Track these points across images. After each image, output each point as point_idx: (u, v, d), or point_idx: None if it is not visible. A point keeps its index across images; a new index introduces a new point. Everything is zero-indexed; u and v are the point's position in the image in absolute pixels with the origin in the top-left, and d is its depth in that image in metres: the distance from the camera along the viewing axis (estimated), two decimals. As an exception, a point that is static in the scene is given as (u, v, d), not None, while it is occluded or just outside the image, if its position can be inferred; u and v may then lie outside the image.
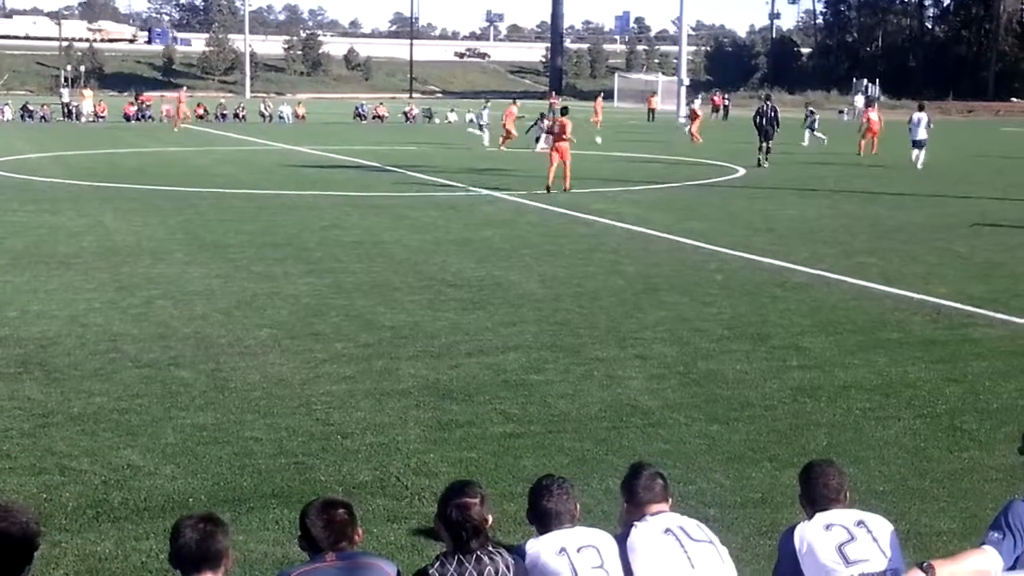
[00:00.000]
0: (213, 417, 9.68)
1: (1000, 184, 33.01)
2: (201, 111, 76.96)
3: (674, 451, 8.92)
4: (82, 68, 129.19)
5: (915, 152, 39.18)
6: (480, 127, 54.31)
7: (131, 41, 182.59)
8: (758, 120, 40.83)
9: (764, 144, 40.18)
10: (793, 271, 17.32)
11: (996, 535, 5.01)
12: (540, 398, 10.35)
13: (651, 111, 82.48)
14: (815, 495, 5.35)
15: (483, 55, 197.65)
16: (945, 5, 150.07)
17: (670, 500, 5.51)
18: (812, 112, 56.02)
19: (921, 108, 41.12)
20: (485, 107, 57.31)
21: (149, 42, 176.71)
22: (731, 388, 10.74)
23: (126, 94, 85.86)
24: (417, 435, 9.29)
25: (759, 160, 39.66)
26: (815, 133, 52.76)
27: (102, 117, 72.24)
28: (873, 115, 46.20)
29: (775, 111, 41.42)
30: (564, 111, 32.74)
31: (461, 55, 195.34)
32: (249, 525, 7.44)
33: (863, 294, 15.52)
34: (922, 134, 39.38)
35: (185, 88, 73.67)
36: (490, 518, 4.97)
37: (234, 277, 16.41)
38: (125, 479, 8.23)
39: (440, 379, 10.96)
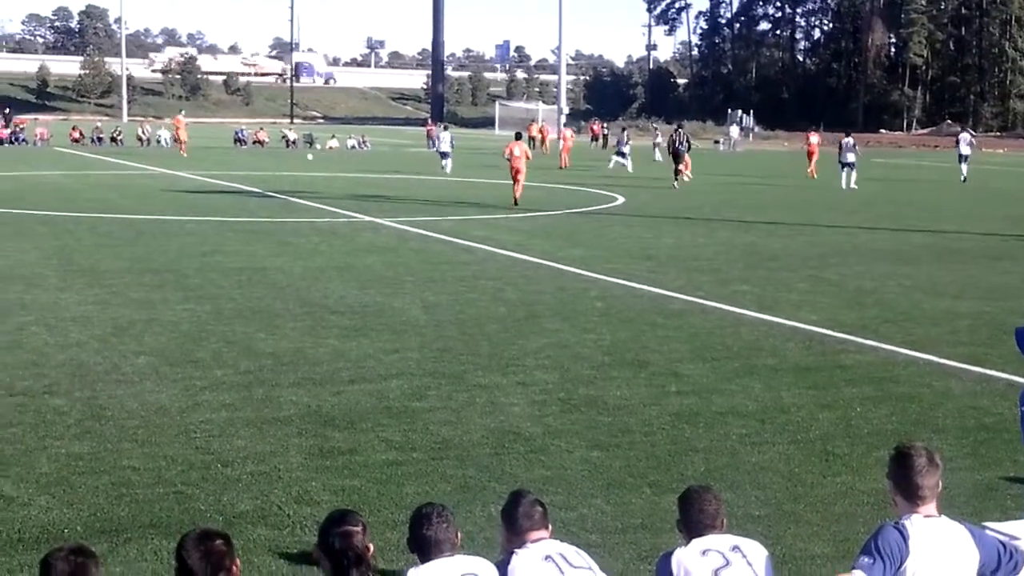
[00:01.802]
0: (89, 446, 9.51)
1: (871, 213, 33.86)
2: (77, 135, 75.54)
3: (556, 477, 9.00)
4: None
5: (844, 173, 44.48)
6: (443, 155, 52.64)
7: (280, 76, 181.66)
8: (671, 146, 45.59)
9: (676, 167, 44.26)
10: (671, 298, 17.58)
11: (867, 560, 5.15)
12: (423, 425, 10.36)
13: (531, 139, 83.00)
14: (692, 520, 5.45)
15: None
16: (816, 39, 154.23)
17: (550, 527, 5.57)
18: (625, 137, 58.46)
19: (848, 135, 46.73)
20: (444, 130, 57.64)
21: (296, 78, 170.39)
22: (611, 414, 10.87)
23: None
24: (299, 463, 9.23)
25: (673, 184, 43.27)
26: (620, 159, 55.14)
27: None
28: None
29: (688, 138, 46.01)
30: (518, 136, 38.00)
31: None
32: (127, 556, 7.32)
33: (739, 321, 15.82)
34: (851, 157, 44.78)
35: (183, 112, 72.16)
36: (371, 547, 4.98)
37: (111, 303, 16.14)
38: (-2, 510, 8.05)
39: (322, 406, 10.91)
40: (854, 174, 44.73)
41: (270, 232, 25.83)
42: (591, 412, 10.92)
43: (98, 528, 7.76)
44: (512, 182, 34.53)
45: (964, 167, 48.79)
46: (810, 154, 51.08)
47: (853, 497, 8.72)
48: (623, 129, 64.94)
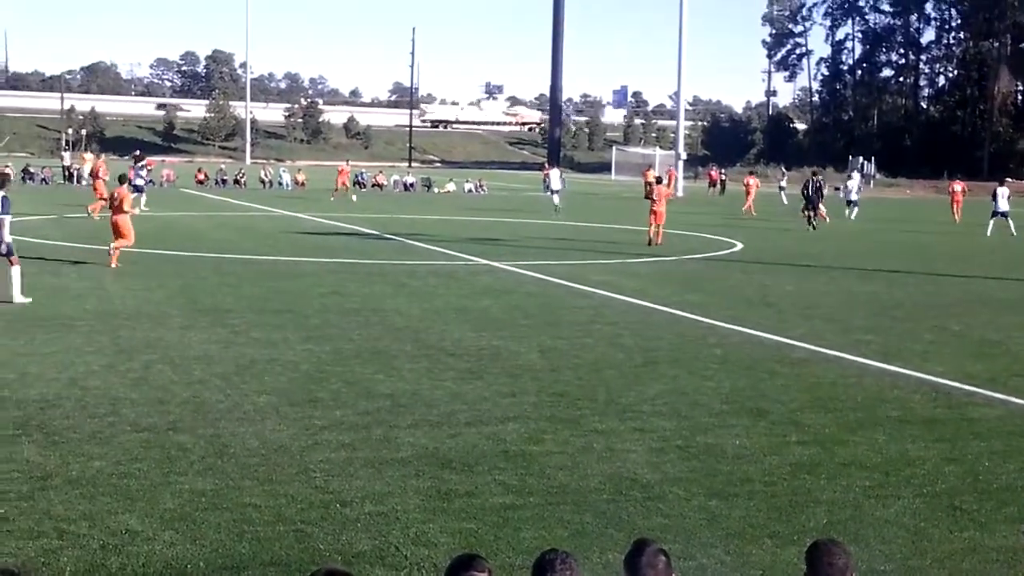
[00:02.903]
0: (212, 483, 9.65)
1: (996, 263, 33.12)
2: (201, 176, 77.35)
3: (673, 526, 8.88)
4: (83, 131, 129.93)
5: (994, 222, 45.80)
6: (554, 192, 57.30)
7: (538, 126, 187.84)
8: (805, 191, 48.47)
9: (809, 212, 47.41)
10: (791, 346, 17.34)
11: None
12: (539, 469, 10.32)
13: (648, 184, 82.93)
14: (821, 574, 5.32)
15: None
16: (940, 86, 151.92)
17: (674, 576, 5.49)
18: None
19: (1002, 183, 48.34)
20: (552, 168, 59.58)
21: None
22: (730, 463, 10.72)
23: (126, 158, 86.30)
24: (416, 504, 9.25)
25: (810, 225, 46.70)
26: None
27: (103, 180, 72.45)
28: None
29: (821, 183, 49.58)
30: (659, 180, 41.72)
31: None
32: (248, 593, 7.39)
33: (862, 371, 15.53)
34: (1005, 206, 46.99)
35: (348, 161, 74.10)
36: (496, 592, 4.95)
37: (233, 342, 16.42)
38: (123, 544, 8.18)
39: (439, 448, 10.93)
40: (1011, 223, 45.31)
41: (388, 274, 26.09)
42: (710, 460, 10.79)
43: (220, 564, 7.84)
44: (652, 224, 36.54)
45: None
46: (955, 202, 55.01)
47: (981, 554, 8.47)
48: (848, 176, 65.49)
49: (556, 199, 56.16)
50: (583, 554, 7.88)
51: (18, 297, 19.83)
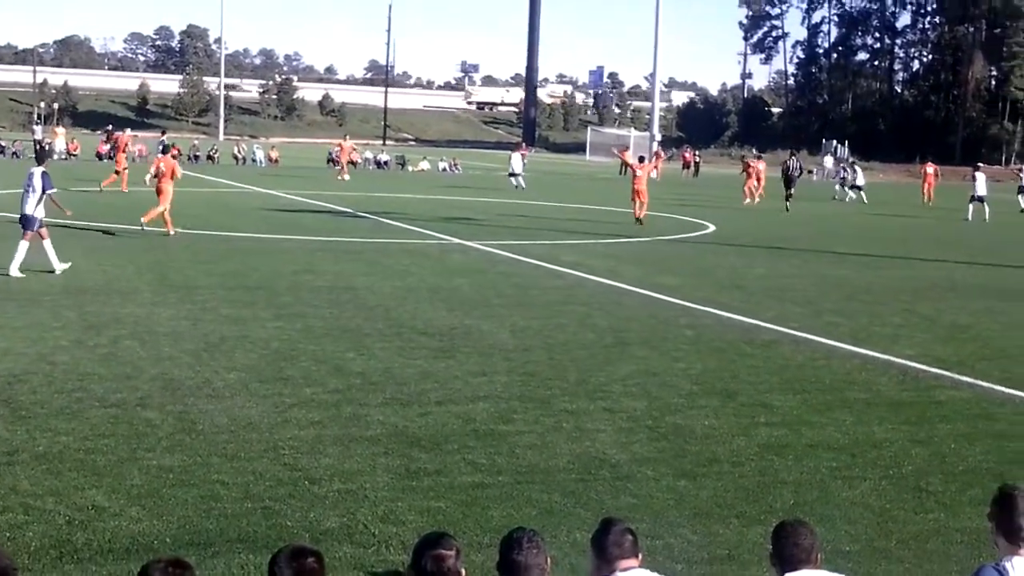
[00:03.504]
0: (180, 459, 9.62)
1: (968, 248, 33.30)
2: (175, 152, 76.89)
3: (642, 505, 8.92)
4: (55, 105, 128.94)
5: (973, 207, 46.35)
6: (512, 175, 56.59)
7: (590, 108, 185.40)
8: (784, 172, 49.62)
9: (788, 192, 48.32)
10: (762, 328, 17.40)
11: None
12: (508, 448, 10.33)
13: (624, 165, 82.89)
14: (786, 554, 5.34)
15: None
16: (915, 70, 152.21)
17: (640, 555, 5.50)
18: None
19: (978, 168, 49.94)
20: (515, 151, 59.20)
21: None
22: (699, 443, 10.76)
23: (99, 132, 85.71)
24: (385, 483, 9.25)
25: (786, 207, 47.14)
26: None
27: (74, 155, 72.11)
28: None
29: (800, 165, 51.74)
30: (641, 159, 43.70)
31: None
32: (214, 570, 7.38)
33: (831, 353, 15.60)
34: (860, 181, 54.07)
35: (347, 136, 73.62)
36: (463, 572, 4.96)
37: (203, 319, 16.36)
38: (90, 520, 8.15)
39: (409, 427, 10.93)
40: (986, 208, 45.68)
41: (360, 252, 26.03)
42: (679, 440, 10.83)
43: (187, 541, 7.83)
44: (634, 203, 37.22)
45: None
46: (927, 183, 56.55)
47: (946, 535, 8.54)
48: (852, 163, 65.28)
49: (514, 182, 56.19)
50: (551, 533, 7.90)
51: (58, 264, 20.43)
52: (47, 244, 20.58)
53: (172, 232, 27.29)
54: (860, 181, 57.61)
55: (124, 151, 47.47)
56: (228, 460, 9.66)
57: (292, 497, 8.80)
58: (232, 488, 8.94)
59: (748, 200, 50.73)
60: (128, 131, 54.75)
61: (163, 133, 53.57)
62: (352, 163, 77.74)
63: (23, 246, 20.21)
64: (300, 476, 9.31)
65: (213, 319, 16.39)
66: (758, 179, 53.30)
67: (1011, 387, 13.65)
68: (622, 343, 15.78)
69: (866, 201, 55.12)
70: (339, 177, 59.11)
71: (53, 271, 20.23)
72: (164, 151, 29.97)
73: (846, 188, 57.55)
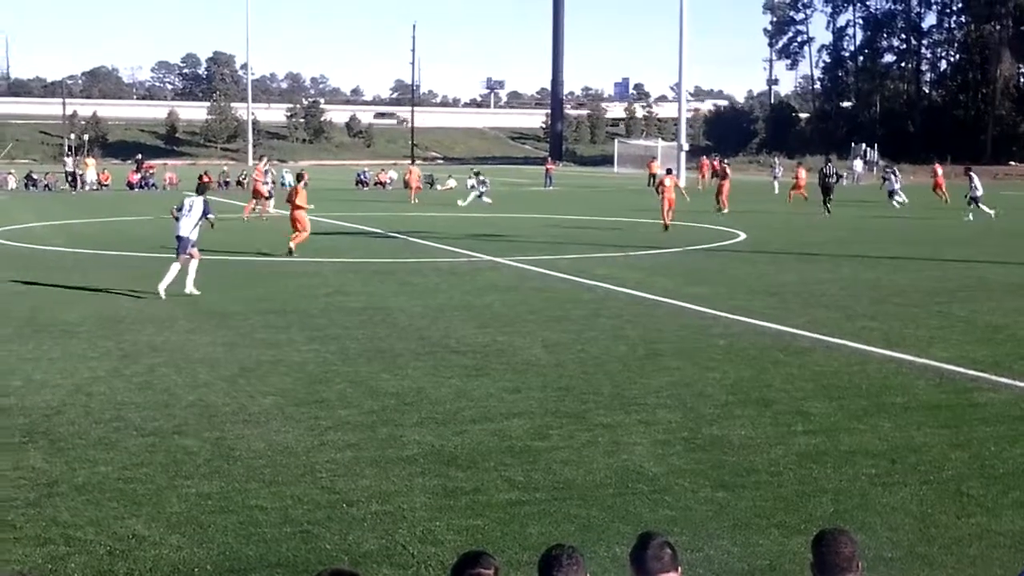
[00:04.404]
0: (218, 486, 9.66)
1: (1000, 247, 33.06)
2: (205, 179, 77.39)
3: (680, 518, 8.89)
4: (85, 137, 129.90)
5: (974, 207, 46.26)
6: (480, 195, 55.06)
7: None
8: (822, 180, 51.04)
9: (826, 198, 49.48)
10: (795, 335, 17.33)
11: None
12: (545, 465, 10.32)
13: (652, 176, 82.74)
14: (827, 564, 5.30)
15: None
16: (942, 70, 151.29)
17: (679, 569, 5.48)
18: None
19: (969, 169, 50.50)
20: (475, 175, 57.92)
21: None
22: (736, 454, 10.72)
23: (129, 162, 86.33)
24: (423, 503, 9.26)
25: (826, 211, 48.34)
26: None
27: (106, 185, 72.68)
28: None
29: (836, 171, 54.60)
30: (668, 171, 44.27)
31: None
32: (255, 595, 7.40)
33: (866, 358, 15.52)
34: (898, 186, 54.46)
35: (413, 161, 74.98)
36: (502, 590, 4.95)
37: (238, 344, 16.44)
38: (130, 549, 8.20)
39: (445, 446, 10.94)
40: (983, 208, 45.81)
41: (391, 272, 26.11)
42: (715, 451, 10.79)
43: (227, 567, 7.86)
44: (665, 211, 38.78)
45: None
46: (937, 185, 56.56)
47: (988, 539, 8.46)
48: (888, 168, 65.67)
49: (467, 200, 54.87)
50: (590, 548, 7.88)
51: (191, 288, 21.70)
52: (192, 265, 21.99)
53: (293, 248, 29.41)
54: (897, 186, 56.85)
55: (259, 179, 48.18)
56: (266, 485, 9.69)
57: (330, 520, 8.82)
58: (271, 513, 8.97)
59: (724, 209, 49.43)
60: (265, 159, 55.07)
61: (262, 159, 54.28)
62: (381, 184, 78.10)
63: (173, 268, 21.77)
64: (338, 499, 9.33)
65: (248, 344, 16.47)
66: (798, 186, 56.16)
67: (1050, 387, 13.53)
68: (655, 354, 15.75)
69: (906, 201, 54.75)
70: (412, 200, 59.10)
71: (186, 293, 21.49)
72: (298, 179, 31.70)
73: (893, 199, 56.08)
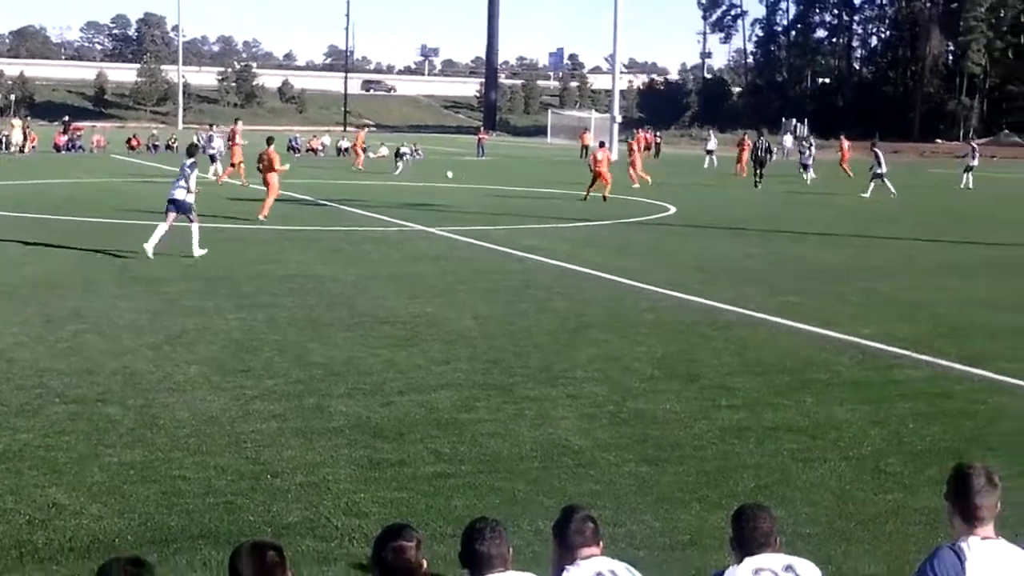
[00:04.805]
0: (141, 455, 9.59)
1: (924, 225, 33.54)
2: (134, 142, 76.38)
3: (604, 492, 8.96)
4: (11, 97, 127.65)
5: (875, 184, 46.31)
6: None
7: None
8: (754, 153, 53.05)
9: (758, 171, 51.13)
10: (722, 310, 17.49)
11: (922, 584, 5.10)
12: (471, 437, 10.35)
13: (584, 148, 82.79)
14: (745, 539, 5.38)
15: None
16: (873, 47, 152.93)
17: (601, 543, 5.53)
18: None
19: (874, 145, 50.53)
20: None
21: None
22: (661, 428, 10.82)
23: (56, 124, 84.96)
24: (348, 474, 9.26)
25: (756, 183, 50.08)
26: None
27: (32, 147, 71.42)
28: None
29: (769, 146, 56.67)
30: (601, 144, 44.70)
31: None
32: (177, 566, 7.37)
33: (791, 334, 15.71)
34: (809, 160, 55.71)
35: (363, 127, 73.52)
36: (425, 563, 4.98)
37: (164, 311, 16.28)
38: (50, 518, 8.12)
39: (372, 417, 10.93)
40: (887, 183, 45.88)
41: (321, 240, 25.97)
42: (640, 426, 10.88)
43: (148, 538, 7.81)
44: (594, 183, 40.08)
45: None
46: (843, 158, 58.45)
47: (905, 516, 8.62)
48: (805, 142, 65.95)
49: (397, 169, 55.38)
50: (513, 522, 7.92)
51: (197, 251, 22.05)
52: (195, 227, 22.46)
53: (263, 216, 29.55)
54: (809, 160, 57.20)
55: (236, 143, 46.64)
56: (190, 455, 9.63)
57: (254, 491, 8.79)
58: (194, 483, 8.92)
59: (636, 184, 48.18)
60: (240, 122, 53.23)
61: (237, 122, 52.48)
62: (312, 150, 77.54)
63: (195, 228, 22.39)
64: (262, 470, 9.30)
65: (175, 311, 16.32)
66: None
67: (968, 365, 13.77)
68: (583, 327, 15.82)
69: (814, 177, 55.05)
70: (358, 167, 58.68)
71: (145, 251, 21.77)
72: (269, 143, 32.01)
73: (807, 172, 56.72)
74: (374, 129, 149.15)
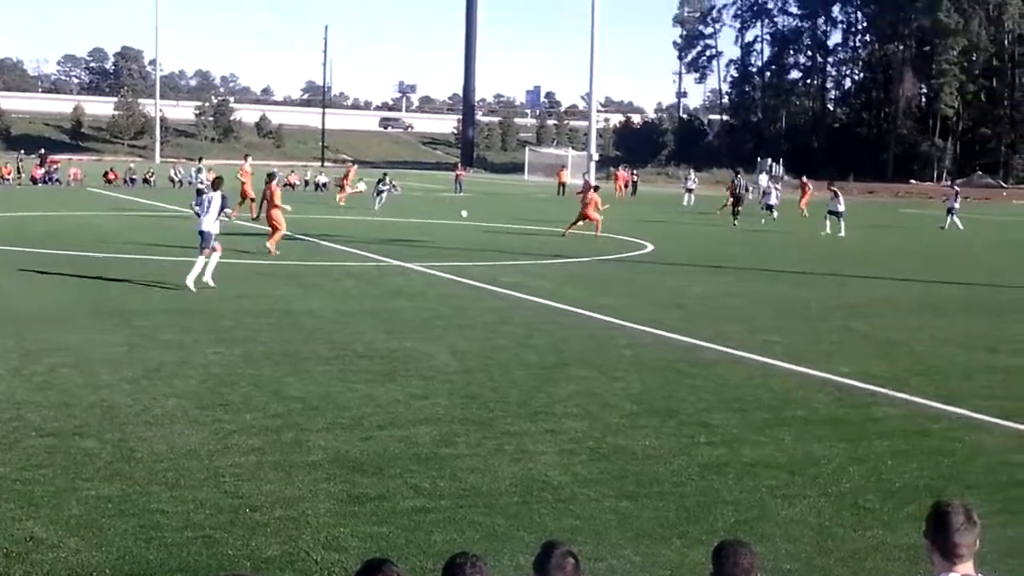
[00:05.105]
0: (119, 489, 9.53)
1: (901, 265, 33.74)
2: (112, 176, 76.26)
3: (584, 527, 8.96)
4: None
5: (830, 222, 46.90)
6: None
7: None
8: (733, 191, 54.25)
9: (735, 208, 52.11)
10: (701, 347, 17.54)
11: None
12: (451, 472, 10.34)
13: (561, 185, 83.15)
14: (726, 575, 5.39)
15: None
16: (846, 88, 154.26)
17: (582, 578, 5.52)
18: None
19: (832, 185, 51.78)
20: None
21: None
22: (640, 464, 10.83)
23: (33, 156, 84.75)
24: (327, 508, 9.22)
25: (733, 222, 50.78)
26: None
27: (6, 180, 71.22)
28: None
29: (747, 184, 60.44)
30: (596, 188, 44.58)
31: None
32: (155, 600, 7.32)
33: (769, 371, 15.76)
34: (772, 199, 57.71)
35: (354, 163, 73.01)
36: (405, 597, 4.96)
37: (141, 345, 16.22)
38: (27, 552, 8.06)
39: (350, 451, 10.90)
40: (841, 223, 46.53)
41: (299, 275, 25.94)
42: (620, 461, 10.88)
43: (127, 571, 7.76)
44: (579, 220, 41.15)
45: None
46: (804, 195, 60.25)
47: (884, 552, 8.64)
48: (774, 182, 67.18)
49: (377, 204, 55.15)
50: (494, 557, 7.92)
51: (190, 282, 22.33)
52: (214, 258, 22.98)
53: (273, 253, 29.86)
54: (773, 200, 58.63)
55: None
56: (168, 489, 9.58)
57: (233, 525, 8.75)
58: (172, 517, 8.87)
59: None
60: (249, 159, 52.05)
61: (246, 158, 51.99)
62: (290, 185, 77.48)
63: (200, 261, 22.71)
64: (241, 504, 9.26)
65: (152, 345, 16.26)
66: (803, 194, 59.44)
67: (945, 403, 13.85)
68: (562, 364, 15.84)
69: (775, 218, 55.70)
70: (340, 201, 58.52)
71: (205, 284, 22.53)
72: (270, 179, 32.13)
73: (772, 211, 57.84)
74: (351, 164, 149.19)
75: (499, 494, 9.76)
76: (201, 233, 23.15)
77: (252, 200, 44.98)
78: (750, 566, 5.43)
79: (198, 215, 23.58)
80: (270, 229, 30.99)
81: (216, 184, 24.60)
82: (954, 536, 5.26)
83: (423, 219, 47.99)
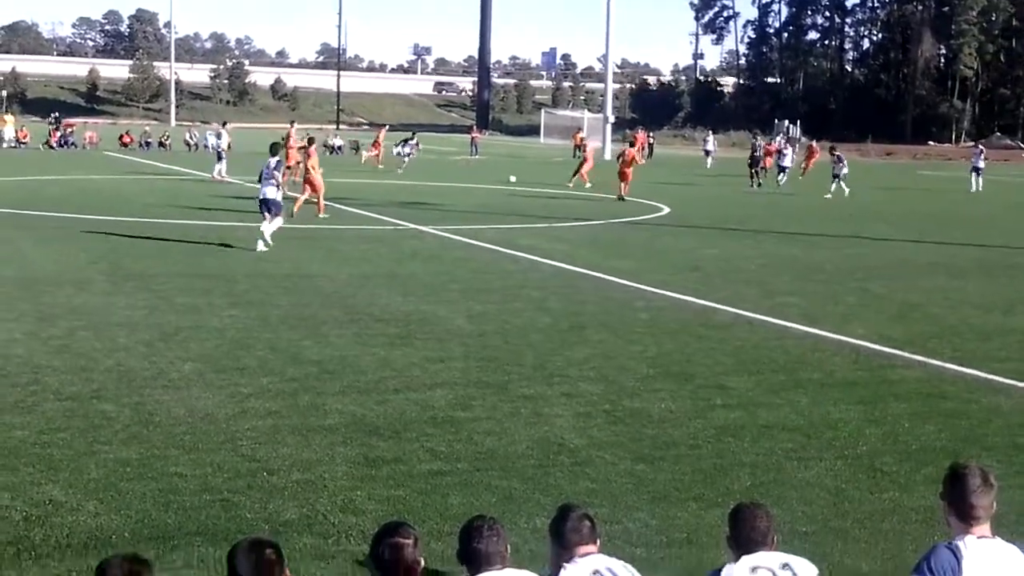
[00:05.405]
0: (137, 452, 9.58)
1: (918, 226, 33.61)
2: (127, 139, 76.27)
3: (600, 490, 8.98)
4: (3, 93, 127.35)
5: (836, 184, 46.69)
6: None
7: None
8: (754, 154, 53.61)
9: (754, 171, 51.78)
10: (717, 310, 17.51)
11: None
12: (467, 435, 10.36)
13: (577, 147, 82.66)
14: (743, 537, 5.40)
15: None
16: (865, 49, 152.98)
17: (598, 541, 5.54)
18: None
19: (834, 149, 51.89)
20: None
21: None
22: (656, 427, 10.84)
23: (48, 120, 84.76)
24: (344, 472, 9.26)
25: (756, 184, 50.77)
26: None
27: (24, 143, 71.30)
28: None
29: (764, 147, 56.90)
30: (631, 144, 47.64)
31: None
32: (173, 563, 7.37)
33: (785, 334, 15.74)
34: (786, 162, 55.20)
35: (386, 126, 72.28)
36: (422, 560, 4.98)
37: (158, 308, 16.27)
38: (47, 515, 8.12)
39: (367, 415, 10.94)
40: (843, 186, 46.51)
41: (316, 239, 25.97)
42: (636, 424, 10.90)
43: (145, 535, 7.81)
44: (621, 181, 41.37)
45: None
46: (810, 158, 59.57)
47: (901, 514, 8.65)
48: (790, 144, 66.50)
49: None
50: (510, 519, 7.93)
51: (260, 245, 22.93)
52: (278, 222, 23.85)
53: (322, 215, 30.67)
54: (787, 162, 56.31)
55: (291, 146, 44.66)
56: (186, 452, 9.63)
57: (251, 488, 8.79)
58: (190, 480, 8.92)
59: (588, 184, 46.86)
60: (295, 124, 50.23)
61: (292, 124, 51.00)
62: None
63: (277, 222, 23.79)
64: (258, 467, 9.30)
65: (169, 308, 16.31)
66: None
67: (962, 365, 13.82)
68: (578, 327, 15.84)
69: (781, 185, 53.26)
70: (378, 166, 57.71)
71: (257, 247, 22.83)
72: (310, 143, 34.10)
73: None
74: (367, 127, 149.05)
75: (515, 457, 9.79)
76: (264, 201, 23.80)
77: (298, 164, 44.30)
78: (767, 528, 5.44)
79: (261, 184, 24.14)
80: (309, 192, 31.35)
81: (273, 150, 25.50)
82: (971, 498, 5.26)
83: (439, 182, 47.89)
